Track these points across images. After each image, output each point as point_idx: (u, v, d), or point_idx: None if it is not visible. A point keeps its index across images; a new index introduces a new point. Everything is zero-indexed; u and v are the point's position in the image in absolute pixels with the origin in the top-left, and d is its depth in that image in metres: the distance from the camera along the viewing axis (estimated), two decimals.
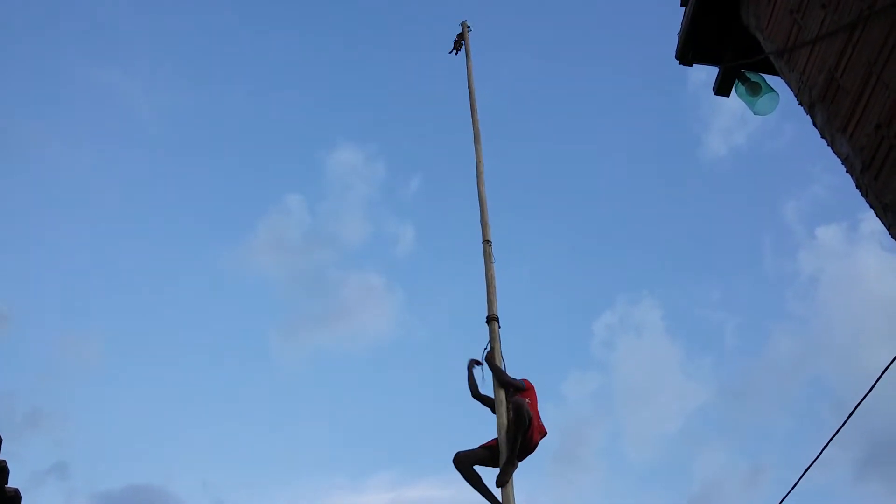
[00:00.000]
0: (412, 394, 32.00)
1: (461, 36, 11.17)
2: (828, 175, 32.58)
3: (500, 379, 7.04)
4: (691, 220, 34.64)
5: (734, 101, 6.82)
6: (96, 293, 32.80)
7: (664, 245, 34.61)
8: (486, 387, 7.23)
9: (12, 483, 6.20)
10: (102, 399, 31.30)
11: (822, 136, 5.27)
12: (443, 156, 33.81)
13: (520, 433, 6.44)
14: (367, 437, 30.26)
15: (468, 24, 11.26)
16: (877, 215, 4.70)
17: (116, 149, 34.14)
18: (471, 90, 10.22)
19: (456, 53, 11.11)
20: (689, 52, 6.74)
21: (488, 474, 6.61)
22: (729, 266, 34.64)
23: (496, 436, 6.70)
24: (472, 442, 6.83)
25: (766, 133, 33.97)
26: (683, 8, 6.69)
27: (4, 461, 6.06)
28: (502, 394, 6.90)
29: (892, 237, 4.55)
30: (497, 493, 6.40)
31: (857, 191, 4.89)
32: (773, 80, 6.46)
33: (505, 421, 6.68)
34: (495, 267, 8.07)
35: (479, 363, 7.30)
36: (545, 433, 6.79)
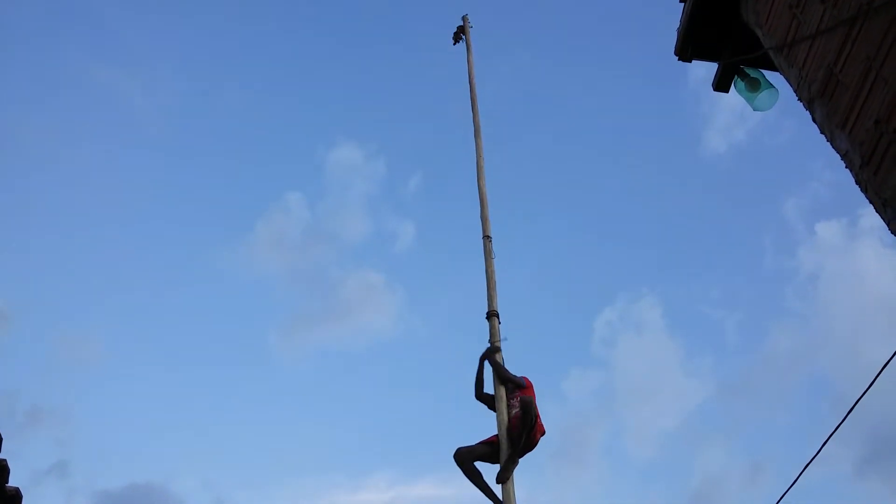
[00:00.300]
0: (412, 392, 32.02)
1: (462, 29, 11.15)
2: (828, 171, 32.58)
3: (501, 375, 7.02)
4: (691, 217, 34.63)
5: (734, 98, 6.82)
6: (97, 292, 32.83)
7: (664, 242, 34.62)
8: (489, 384, 7.21)
9: (13, 482, 6.21)
10: (103, 398, 31.35)
11: (822, 132, 5.26)
12: (443, 154, 33.82)
13: (525, 431, 6.43)
14: (366, 436, 30.30)
15: (469, 18, 11.25)
16: (876, 211, 4.69)
17: (116, 147, 34.13)
18: (471, 84, 10.19)
19: (455, 44, 11.11)
20: (688, 49, 6.74)
21: (488, 470, 6.60)
22: (729, 263, 34.64)
23: (496, 432, 6.70)
24: (472, 440, 6.82)
25: (766, 129, 33.90)
26: (682, 4, 6.68)
27: (5, 460, 6.06)
28: (503, 390, 6.89)
29: (892, 232, 4.54)
30: (497, 489, 6.39)
31: (857, 186, 4.88)
32: (772, 76, 6.46)
33: (505, 417, 6.67)
34: (495, 263, 8.05)
35: (498, 349, 7.20)
36: (544, 432, 6.78)
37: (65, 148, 33.61)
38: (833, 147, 5.11)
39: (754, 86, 6.47)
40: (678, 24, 6.73)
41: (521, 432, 6.42)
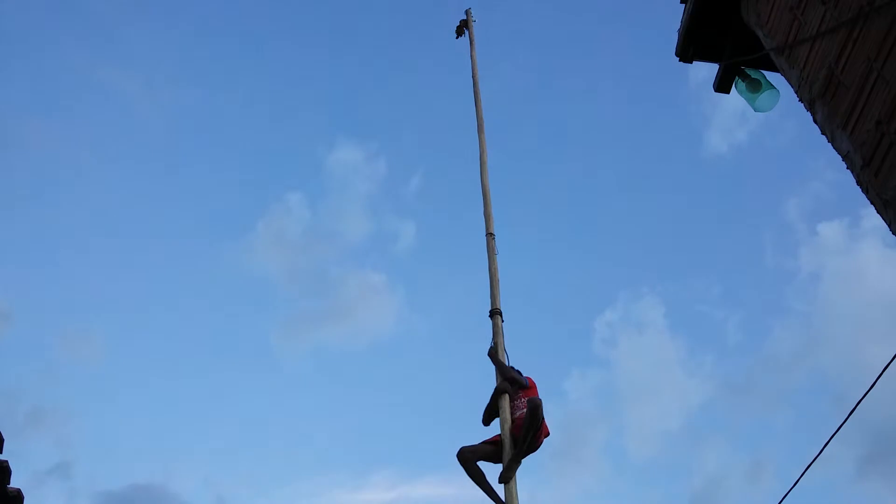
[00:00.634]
0: (413, 391, 32.01)
1: (465, 23, 11.15)
2: (829, 171, 32.54)
3: (505, 374, 7.01)
4: (693, 217, 34.60)
5: (735, 98, 6.82)
6: (98, 291, 32.82)
7: (666, 242, 34.58)
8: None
9: (14, 483, 6.20)
10: (104, 398, 31.29)
11: (823, 133, 5.26)
12: (444, 154, 33.77)
13: (531, 432, 6.42)
14: (368, 435, 30.27)
15: (472, 13, 11.26)
16: (877, 212, 4.70)
17: (117, 147, 34.13)
18: (474, 79, 10.17)
19: (458, 38, 11.11)
20: (689, 49, 6.74)
21: (491, 470, 6.60)
22: (730, 263, 34.60)
23: (498, 432, 6.70)
24: (474, 439, 6.82)
25: (768, 130, 33.85)
26: (683, 5, 6.68)
27: (6, 461, 6.06)
28: (505, 399, 6.86)
29: (893, 233, 4.55)
30: (500, 489, 6.40)
31: (858, 187, 4.89)
32: (773, 77, 6.46)
33: (509, 417, 6.66)
34: (498, 260, 8.05)
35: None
36: (549, 434, 6.78)
37: (65, 148, 33.64)
38: (834, 148, 5.12)
39: (755, 87, 6.47)
40: (679, 24, 6.74)
41: (527, 433, 6.41)
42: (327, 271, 35.68)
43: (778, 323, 33.21)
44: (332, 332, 35.82)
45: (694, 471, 29.21)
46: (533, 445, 6.54)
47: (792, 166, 32.97)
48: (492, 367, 7.19)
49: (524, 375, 7.08)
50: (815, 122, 5.35)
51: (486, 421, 7.08)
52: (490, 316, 7.54)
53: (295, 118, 35.15)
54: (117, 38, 32.52)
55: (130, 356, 32.11)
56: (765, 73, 6.57)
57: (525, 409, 6.53)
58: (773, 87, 6.50)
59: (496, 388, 6.99)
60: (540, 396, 6.99)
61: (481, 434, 6.97)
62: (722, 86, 6.86)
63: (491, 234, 8.25)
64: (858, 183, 4.87)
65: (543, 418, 6.52)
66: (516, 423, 6.59)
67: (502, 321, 7.50)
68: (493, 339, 7.36)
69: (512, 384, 6.98)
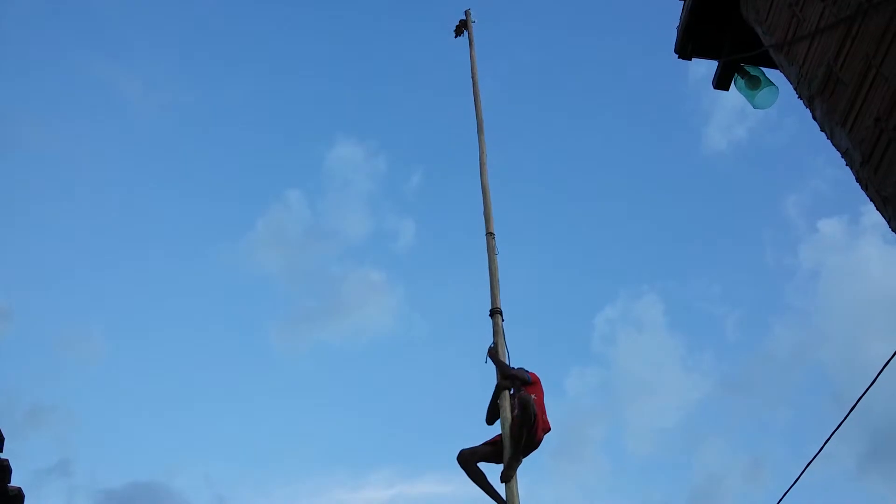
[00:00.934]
0: (413, 389, 32.05)
1: (464, 23, 11.14)
2: (829, 168, 32.51)
3: (506, 373, 7.00)
4: (692, 214, 34.56)
5: (734, 95, 6.82)
6: (97, 290, 32.82)
7: (665, 239, 34.59)
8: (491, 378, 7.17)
9: (14, 482, 6.22)
10: (104, 396, 31.30)
11: (822, 130, 5.26)
12: (444, 151, 33.78)
13: (525, 429, 6.42)
14: (368, 433, 30.34)
15: (471, 13, 11.24)
16: (877, 208, 4.69)
17: (117, 145, 34.15)
18: (474, 79, 10.15)
19: (457, 37, 11.10)
20: (688, 46, 6.74)
21: (492, 471, 6.59)
22: (730, 260, 34.58)
23: (500, 432, 6.68)
24: (473, 437, 6.81)
25: (767, 127, 33.83)
26: (682, 2, 6.67)
27: (7, 460, 6.08)
28: (505, 398, 6.85)
29: (893, 230, 4.54)
30: (501, 488, 6.39)
31: (857, 184, 4.88)
32: (772, 74, 6.45)
33: (509, 416, 6.65)
34: (498, 259, 8.04)
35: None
36: (549, 429, 6.76)
37: (65, 147, 33.65)
38: (833, 145, 5.11)
39: (754, 83, 6.47)
40: (678, 21, 6.73)
41: (521, 430, 6.41)
42: (327, 270, 35.71)
43: (777, 320, 33.25)
44: (332, 330, 35.91)
45: (693, 468, 29.24)
46: (531, 442, 6.53)
47: (791, 163, 32.96)
48: (491, 366, 7.18)
49: (528, 371, 7.07)
50: (814, 118, 5.34)
51: (490, 420, 7.04)
52: (490, 315, 7.54)
53: (294, 116, 35.19)
54: (116, 36, 32.56)
55: (130, 355, 32.20)
56: (764, 69, 6.56)
57: (518, 407, 6.53)
58: (772, 83, 6.49)
59: (496, 386, 6.98)
60: (544, 390, 7.00)
61: (481, 433, 6.97)
62: (721, 83, 6.86)
63: (491, 234, 8.24)
64: (858, 180, 4.86)
65: (536, 413, 6.51)
66: (515, 422, 6.58)
67: (502, 320, 7.50)
68: (493, 338, 7.36)
69: (514, 382, 6.98)
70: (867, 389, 4.94)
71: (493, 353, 7.23)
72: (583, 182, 35.11)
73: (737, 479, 28.05)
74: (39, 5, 31.60)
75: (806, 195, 33.44)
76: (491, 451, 6.66)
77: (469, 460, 6.63)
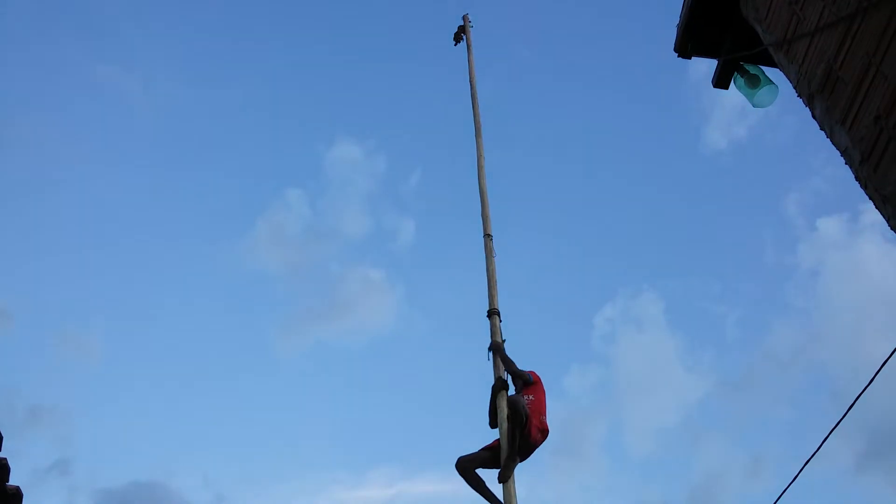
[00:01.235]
0: (412, 388, 32.05)
1: (462, 28, 11.16)
2: (829, 167, 32.56)
3: (510, 369, 7.00)
4: (692, 213, 34.61)
5: (734, 94, 6.81)
6: (97, 289, 32.84)
7: (665, 238, 34.61)
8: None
9: (13, 481, 6.20)
10: (104, 395, 31.34)
11: (822, 128, 5.25)
12: (443, 150, 33.80)
13: (517, 430, 6.42)
14: (367, 432, 30.36)
15: (469, 17, 11.26)
16: (876, 207, 4.68)
17: (117, 144, 34.16)
18: (472, 83, 10.19)
19: (456, 44, 11.12)
20: (687, 45, 6.73)
21: (491, 474, 6.57)
22: (730, 259, 34.65)
23: (497, 437, 6.67)
24: (473, 437, 6.82)
25: (767, 125, 33.90)
26: (682, 0, 6.67)
27: (5, 459, 6.06)
28: (504, 398, 6.83)
29: (892, 228, 4.53)
30: (499, 490, 6.38)
31: (857, 183, 4.87)
32: (772, 73, 6.45)
33: (506, 415, 6.65)
34: (496, 261, 8.05)
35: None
36: (546, 430, 6.74)
37: (64, 146, 33.64)
38: (833, 143, 5.10)
39: (754, 82, 6.46)
40: (677, 20, 6.72)
41: (513, 431, 6.41)
42: (327, 268, 35.74)
43: (777, 319, 33.31)
44: (332, 329, 35.94)
45: (693, 467, 29.26)
46: (526, 444, 6.52)
47: (791, 162, 33.03)
48: (489, 365, 7.17)
49: (527, 371, 7.07)
50: (813, 117, 5.33)
51: (493, 423, 6.97)
52: (488, 316, 7.55)
53: (294, 115, 35.20)
54: (116, 35, 32.61)
55: (130, 354, 32.23)
56: (763, 68, 6.56)
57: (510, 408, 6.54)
58: (771, 82, 6.49)
59: (493, 387, 6.96)
60: (545, 391, 6.99)
61: (480, 432, 6.97)
62: (721, 81, 6.85)
63: (489, 236, 8.26)
64: (857, 178, 4.85)
65: (528, 414, 6.50)
66: (508, 423, 6.58)
67: (500, 321, 7.50)
68: (491, 339, 7.36)
69: (515, 379, 6.98)
70: (866, 387, 4.94)
71: (499, 348, 7.20)
72: (583, 181, 35.15)
73: (736, 478, 28.11)
74: (39, 5, 31.59)
75: (806, 194, 33.51)
76: (489, 456, 6.66)
77: (467, 467, 6.63)
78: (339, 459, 30.92)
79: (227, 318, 34.51)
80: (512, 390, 7.00)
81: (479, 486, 6.57)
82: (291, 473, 30.41)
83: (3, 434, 6.07)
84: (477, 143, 9.36)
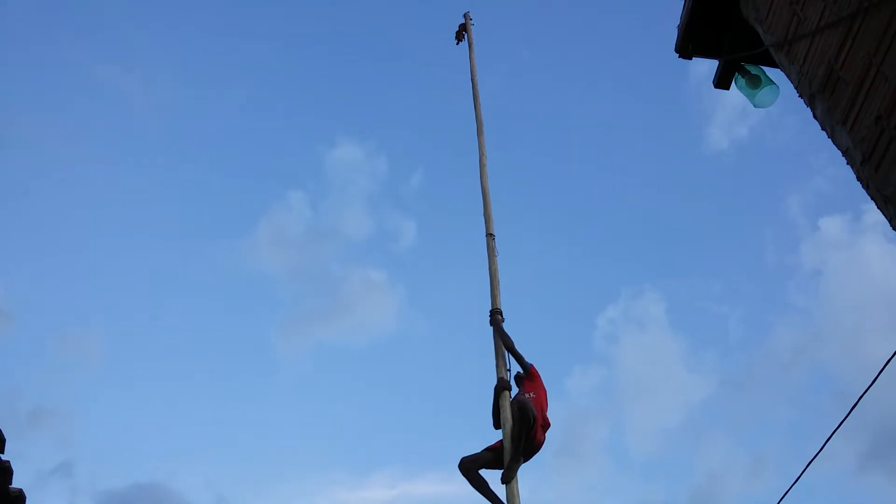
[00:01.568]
0: (414, 389, 32.04)
1: (464, 27, 11.14)
2: (831, 167, 32.55)
3: (508, 345, 7.05)
4: (694, 213, 34.64)
5: (735, 95, 6.81)
6: (99, 290, 32.87)
7: (667, 238, 34.61)
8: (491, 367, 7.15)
9: (16, 483, 6.20)
10: (106, 397, 31.39)
11: (823, 128, 5.25)
12: (444, 151, 33.84)
13: (524, 432, 6.41)
14: (368, 433, 30.37)
15: (470, 16, 11.25)
16: (878, 207, 4.68)
17: (118, 145, 34.19)
18: (473, 82, 10.17)
19: (458, 43, 11.11)
20: (688, 46, 6.73)
21: (495, 475, 6.56)
22: (732, 259, 34.68)
23: (500, 437, 6.66)
24: (474, 437, 6.81)
25: (769, 126, 33.89)
26: (683, 1, 6.67)
27: (8, 461, 6.06)
28: (506, 399, 6.83)
29: (894, 228, 4.53)
30: (502, 490, 6.37)
31: (859, 183, 4.87)
32: (773, 73, 6.45)
33: (509, 416, 6.64)
34: (498, 261, 8.04)
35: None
36: (549, 425, 6.75)
37: (65, 146, 33.66)
38: (834, 143, 5.10)
39: (755, 82, 6.46)
40: (679, 20, 6.73)
41: (520, 432, 6.40)
42: (328, 269, 35.77)
43: (779, 319, 33.29)
44: (333, 330, 35.95)
45: (695, 467, 29.26)
46: (532, 445, 6.52)
47: (793, 162, 33.01)
48: (491, 365, 7.17)
49: (528, 362, 7.08)
50: (814, 117, 5.33)
51: (497, 424, 6.94)
52: (491, 316, 7.55)
53: (295, 116, 35.23)
54: (116, 35, 32.63)
55: (131, 355, 32.24)
56: (764, 68, 6.56)
57: (516, 409, 6.53)
58: (772, 82, 6.48)
59: (496, 387, 6.96)
60: (545, 385, 7.00)
61: (481, 432, 6.96)
62: (722, 82, 6.85)
63: (491, 235, 8.25)
64: (859, 179, 4.85)
65: (536, 415, 6.50)
66: (514, 424, 6.56)
67: (503, 321, 7.50)
68: (493, 338, 7.36)
69: (518, 360, 7.00)
70: (868, 388, 4.94)
71: (497, 323, 7.26)
72: (585, 181, 35.15)
73: (739, 478, 28.11)
74: (39, 5, 31.61)
75: (807, 194, 33.51)
76: (492, 457, 6.64)
77: (471, 468, 6.62)
78: (340, 460, 30.98)
79: (229, 319, 34.58)
80: (514, 390, 7.00)
81: (481, 486, 6.56)
82: (292, 474, 30.48)
83: (5, 437, 6.07)
84: (479, 141, 9.34)
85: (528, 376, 7.02)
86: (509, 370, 7.14)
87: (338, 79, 35.27)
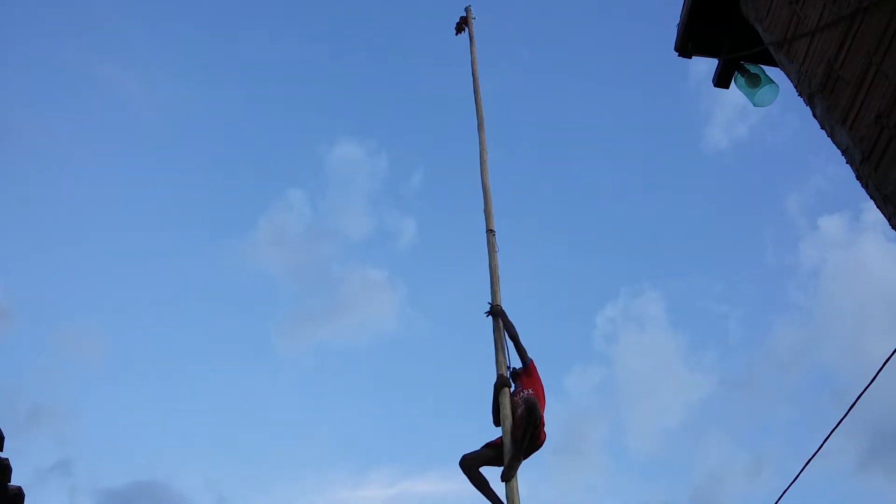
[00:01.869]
0: (414, 388, 32.04)
1: (464, 20, 11.13)
2: (830, 166, 32.57)
3: (511, 332, 7.09)
4: (693, 213, 34.58)
5: (735, 93, 6.81)
6: (99, 289, 32.83)
7: (666, 237, 34.59)
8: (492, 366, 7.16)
9: (15, 481, 6.20)
10: (105, 395, 31.30)
11: (822, 128, 5.25)
12: (445, 150, 33.78)
13: (528, 432, 6.40)
14: (368, 432, 30.37)
15: (471, 10, 11.24)
16: (877, 206, 4.68)
17: (117, 145, 34.15)
18: (474, 76, 10.14)
19: (457, 34, 11.09)
20: (688, 44, 6.73)
21: (494, 471, 6.56)
22: (731, 258, 34.60)
23: (499, 434, 6.67)
24: (474, 437, 6.80)
25: (768, 125, 33.88)
26: None
27: (7, 459, 6.06)
28: (507, 398, 6.83)
29: (893, 228, 4.54)
30: (502, 488, 6.37)
31: (858, 182, 4.88)
32: (772, 72, 6.45)
33: (509, 413, 6.65)
34: (498, 257, 8.05)
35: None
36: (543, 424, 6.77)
37: (65, 146, 33.60)
38: (833, 142, 5.10)
39: (755, 81, 6.47)
40: (678, 19, 6.72)
41: (525, 432, 6.39)
42: (328, 268, 35.71)
43: (779, 318, 33.25)
44: (334, 329, 35.89)
45: (695, 467, 29.23)
46: (534, 444, 6.52)
47: (792, 161, 32.98)
48: (491, 363, 7.17)
49: (528, 356, 7.09)
50: (814, 116, 5.33)
51: (497, 421, 6.96)
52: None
53: (295, 115, 35.21)
54: (116, 32, 32.56)
55: (131, 354, 32.21)
56: (764, 67, 6.56)
57: (523, 408, 6.52)
58: (772, 81, 6.49)
59: (495, 384, 6.97)
60: (542, 381, 7.01)
61: (481, 431, 6.96)
62: (721, 81, 6.85)
63: (491, 231, 8.25)
64: (858, 177, 4.85)
65: (541, 415, 6.51)
66: (515, 423, 6.56)
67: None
68: (493, 334, 7.37)
69: (520, 352, 7.01)
70: (867, 387, 4.94)
71: (500, 312, 7.28)
72: (584, 180, 35.13)
73: (738, 477, 28.10)
74: (39, 4, 31.57)
75: (807, 193, 33.47)
76: (493, 454, 6.64)
77: (471, 466, 6.61)
78: (340, 459, 30.96)
79: (229, 318, 34.55)
80: (513, 388, 7.00)
81: (481, 485, 6.56)
82: (293, 473, 30.45)
83: (4, 434, 6.07)
84: (479, 136, 9.32)
85: (526, 371, 7.03)
86: (509, 367, 7.15)
87: (338, 77, 35.24)
